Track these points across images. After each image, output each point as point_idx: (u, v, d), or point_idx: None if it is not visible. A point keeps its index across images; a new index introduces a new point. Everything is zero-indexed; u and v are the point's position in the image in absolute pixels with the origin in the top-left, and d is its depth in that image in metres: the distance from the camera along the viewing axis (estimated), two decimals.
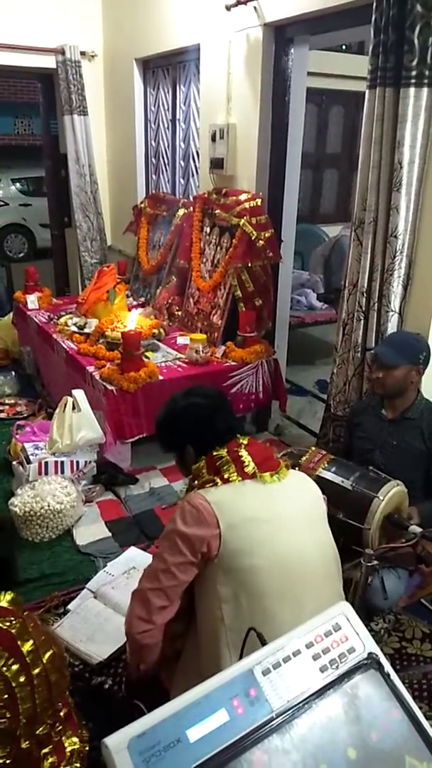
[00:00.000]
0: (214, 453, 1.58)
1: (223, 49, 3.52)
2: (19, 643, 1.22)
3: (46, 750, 1.23)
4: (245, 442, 1.61)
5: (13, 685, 1.18)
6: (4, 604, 1.28)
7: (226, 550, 1.43)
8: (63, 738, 1.27)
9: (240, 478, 1.52)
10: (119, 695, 1.91)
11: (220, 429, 1.64)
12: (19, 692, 1.18)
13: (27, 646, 1.22)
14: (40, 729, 1.21)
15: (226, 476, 1.53)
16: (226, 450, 1.58)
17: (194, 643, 1.57)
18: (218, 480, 1.53)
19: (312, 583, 1.50)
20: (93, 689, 1.95)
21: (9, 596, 1.29)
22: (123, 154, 5.19)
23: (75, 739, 1.31)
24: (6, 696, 1.16)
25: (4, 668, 1.18)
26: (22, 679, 1.19)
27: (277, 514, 1.50)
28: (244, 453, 1.57)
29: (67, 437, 3.00)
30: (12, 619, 1.25)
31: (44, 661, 1.24)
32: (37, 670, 1.21)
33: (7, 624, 1.23)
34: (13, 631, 1.23)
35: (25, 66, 4.92)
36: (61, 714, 1.33)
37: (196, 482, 1.59)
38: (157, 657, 1.58)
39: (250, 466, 1.54)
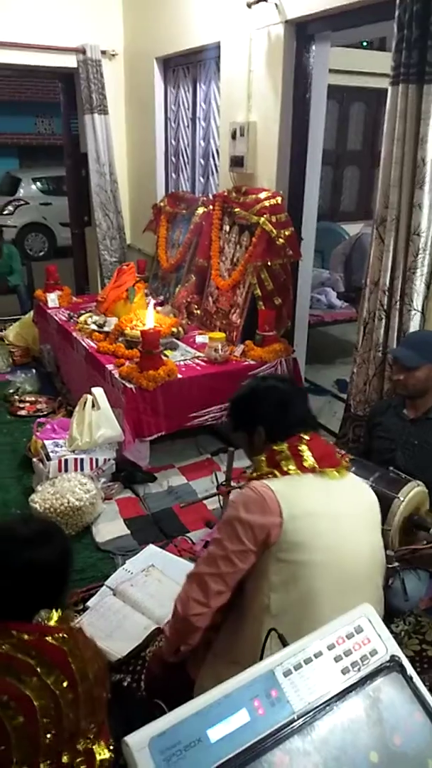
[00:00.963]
0: (275, 447, 1.57)
1: (243, 46, 3.51)
2: (70, 659, 1.22)
3: (78, 759, 1.23)
4: (307, 437, 1.60)
5: (61, 702, 1.17)
6: (53, 623, 1.28)
7: (285, 540, 1.42)
8: (95, 747, 1.27)
9: (299, 472, 1.52)
10: (138, 693, 1.92)
11: (293, 417, 1.63)
12: (66, 709, 1.18)
13: (76, 663, 1.22)
14: (82, 743, 1.21)
15: (285, 469, 1.52)
16: (287, 445, 1.57)
17: (231, 630, 1.57)
18: (277, 473, 1.52)
19: (359, 587, 1.49)
20: (111, 687, 1.95)
21: (56, 615, 1.29)
22: (143, 153, 5.20)
23: (105, 749, 1.31)
24: (53, 713, 1.16)
25: (53, 685, 1.17)
26: (70, 696, 1.19)
27: (337, 510, 1.50)
28: (303, 448, 1.56)
29: (86, 435, 3.02)
30: (64, 635, 1.25)
31: (90, 677, 1.23)
32: (83, 687, 1.21)
33: (60, 640, 1.23)
34: (65, 647, 1.23)
35: (46, 65, 4.96)
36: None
37: (254, 474, 1.58)
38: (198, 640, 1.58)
39: (309, 461, 1.54)
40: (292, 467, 1.52)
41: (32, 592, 1.32)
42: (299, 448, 1.56)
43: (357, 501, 1.58)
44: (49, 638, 1.24)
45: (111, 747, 1.34)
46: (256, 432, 1.67)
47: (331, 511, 1.49)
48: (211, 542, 1.55)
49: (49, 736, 1.15)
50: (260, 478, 1.53)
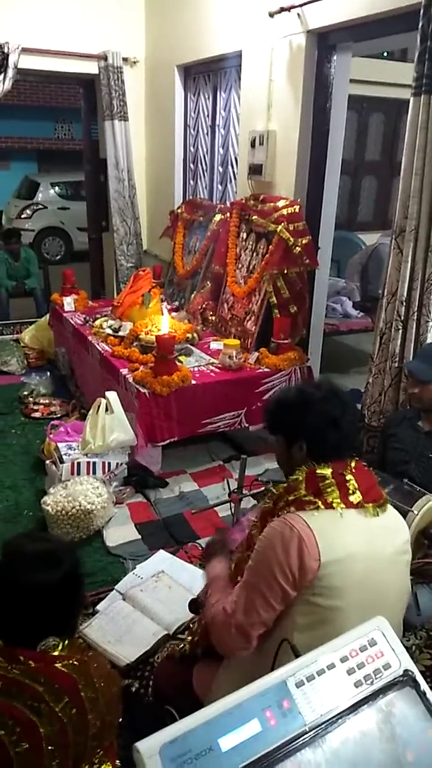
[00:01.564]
0: (318, 471, 1.40)
1: (264, 55, 3.53)
2: (80, 687, 1.19)
3: None
4: (353, 464, 1.44)
5: (69, 729, 1.15)
6: (56, 653, 1.24)
7: (319, 584, 1.31)
8: (102, 767, 1.26)
9: (343, 506, 1.36)
10: (146, 699, 1.91)
11: (343, 438, 1.46)
12: (73, 736, 1.16)
13: (87, 692, 1.20)
14: (85, 767, 1.21)
15: (329, 500, 1.36)
16: (331, 471, 1.40)
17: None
18: (320, 503, 1.36)
19: None
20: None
21: (60, 645, 1.25)
22: (161, 160, 5.23)
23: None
24: (60, 740, 1.14)
25: (61, 713, 1.15)
26: (79, 724, 1.17)
27: (375, 553, 1.38)
28: (350, 478, 1.40)
29: (99, 438, 3.03)
30: (75, 662, 1.22)
31: (102, 704, 1.21)
32: (92, 715, 1.19)
33: (71, 667, 1.21)
34: (75, 675, 1.20)
35: (68, 71, 5.02)
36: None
37: (290, 497, 1.40)
38: None
39: (356, 495, 1.38)
40: (336, 500, 1.36)
41: (37, 616, 1.26)
42: (346, 477, 1.40)
43: (394, 540, 1.44)
44: (59, 665, 1.21)
45: (117, 766, 1.32)
46: (296, 445, 1.48)
47: (370, 553, 1.36)
48: (245, 585, 1.40)
49: (54, 763, 1.13)
50: (299, 506, 1.37)
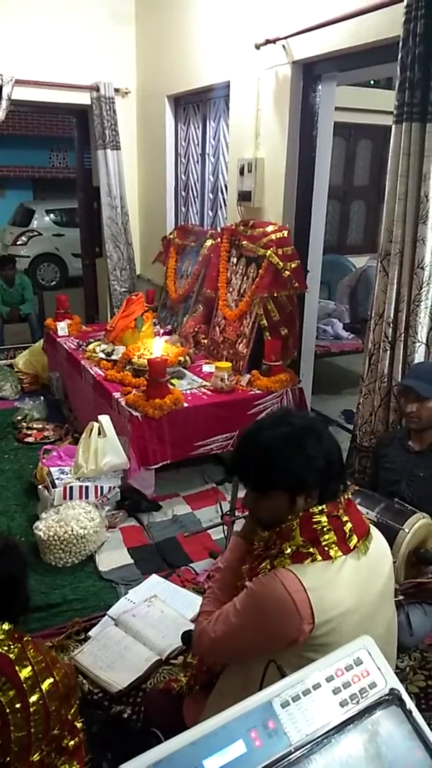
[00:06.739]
0: (315, 517, 1.28)
1: (252, 86, 3.62)
2: (17, 668, 1.20)
3: None
4: (344, 501, 1.33)
5: (8, 711, 1.16)
6: (1, 636, 1.26)
7: (312, 643, 1.24)
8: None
9: (341, 554, 1.27)
10: (137, 725, 1.89)
11: (341, 468, 1.34)
12: (13, 719, 1.16)
13: (25, 673, 1.20)
14: (35, 755, 1.19)
15: (326, 549, 1.27)
16: (326, 514, 1.29)
17: (242, 671, 1.41)
18: (317, 553, 1.26)
19: None
20: (112, 718, 1.93)
21: (6, 626, 1.27)
22: (153, 187, 5.32)
23: None
24: None
25: (0, 693, 1.16)
26: (17, 706, 1.17)
27: (366, 598, 1.31)
28: (346, 519, 1.31)
29: (92, 462, 3.03)
30: (10, 643, 1.24)
31: (43, 688, 1.21)
32: (34, 698, 1.19)
33: (5, 648, 1.22)
34: (11, 656, 1.21)
35: (61, 102, 5.12)
36: (70, 745, 1.30)
37: (286, 547, 1.29)
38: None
39: (354, 539, 1.30)
40: (334, 547, 1.27)
41: None
42: (343, 519, 1.30)
43: (381, 574, 1.37)
44: None
45: None
46: (302, 495, 1.31)
47: (362, 601, 1.30)
48: (231, 626, 1.34)
49: None
50: (296, 558, 1.27)
